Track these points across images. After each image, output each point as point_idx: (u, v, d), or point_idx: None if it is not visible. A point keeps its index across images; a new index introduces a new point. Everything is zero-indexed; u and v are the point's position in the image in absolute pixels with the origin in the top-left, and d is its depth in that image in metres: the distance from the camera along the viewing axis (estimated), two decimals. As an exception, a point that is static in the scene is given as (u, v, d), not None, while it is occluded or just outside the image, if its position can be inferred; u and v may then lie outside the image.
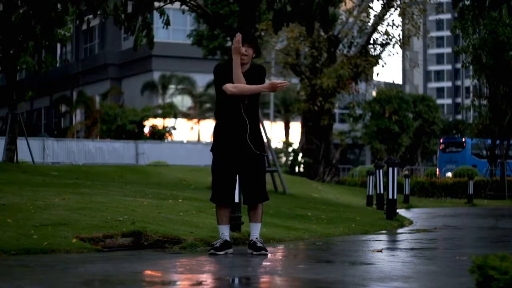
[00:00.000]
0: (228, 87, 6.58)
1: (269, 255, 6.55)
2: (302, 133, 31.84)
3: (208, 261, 6.14)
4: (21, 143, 20.40)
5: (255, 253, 6.59)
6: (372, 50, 29.82)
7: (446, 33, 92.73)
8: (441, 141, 42.06)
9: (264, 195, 6.77)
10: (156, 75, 50.88)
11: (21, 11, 18.13)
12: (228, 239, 6.70)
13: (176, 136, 47.34)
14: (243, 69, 6.65)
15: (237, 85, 6.58)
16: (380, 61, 29.82)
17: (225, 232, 6.69)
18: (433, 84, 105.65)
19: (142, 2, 17.05)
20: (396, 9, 29.17)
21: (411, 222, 13.06)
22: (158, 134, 44.57)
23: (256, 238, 6.70)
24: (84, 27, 21.56)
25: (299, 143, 32.70)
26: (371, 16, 30.03)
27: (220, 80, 6.65)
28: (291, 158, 34.70)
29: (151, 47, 18.16)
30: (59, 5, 17.13)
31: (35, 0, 17.03)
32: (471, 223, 13.57)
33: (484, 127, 30.48)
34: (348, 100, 32.79)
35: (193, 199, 11.47)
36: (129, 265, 5.71)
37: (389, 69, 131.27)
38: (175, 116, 47.09)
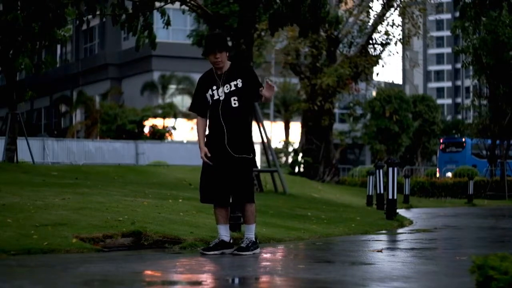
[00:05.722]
0: (197, 119, 6.87)
1: (268, 255, 6.54)
2: (302, 133, 31.81)
3: (208, 261, 6.14)
4: (21, 143, 20.40)
5: (235, 252, 6.61)
6: (372, 50, 29.82)
7: (446, 33, 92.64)
8: (441, 141, 42.03)
9: (247, 196, 6.75)
10: (156, 75, 50.87)
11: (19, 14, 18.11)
12: (226, 239, 6.71)
13: (176, 136, 47.32)
14: (221, 70, 6.77)
15: (197, 129, 6.84)
16: (380, 61, 29.82)
17: (221, 232, 6.72)
18: (433, 84, 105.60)
19: (142, 1, 17.04)
20: (396, 9, 29.17)
21: (411, 222, 13.06)
22: (158, 134, 44.55)
23: (246, 238, 6.73)
24: (84, 27, 21.51)
25: (299, 143, 32.67)
26: (371, 16, 30.03)
27: (200, 90, 6.84)
28: (291, 158, 34.67)
29: (154, 48, 18.15)
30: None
31: (35, 3, 17.02)
32: (471, 223, 13.56)
33: (484, 127, 30.47)
34: (348, 100, 32.77)
35: (193, 199, 11.45)
36: (129, 265, 5.71)
37: (389, 69, 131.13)
38: (175, 116, 47.06)
